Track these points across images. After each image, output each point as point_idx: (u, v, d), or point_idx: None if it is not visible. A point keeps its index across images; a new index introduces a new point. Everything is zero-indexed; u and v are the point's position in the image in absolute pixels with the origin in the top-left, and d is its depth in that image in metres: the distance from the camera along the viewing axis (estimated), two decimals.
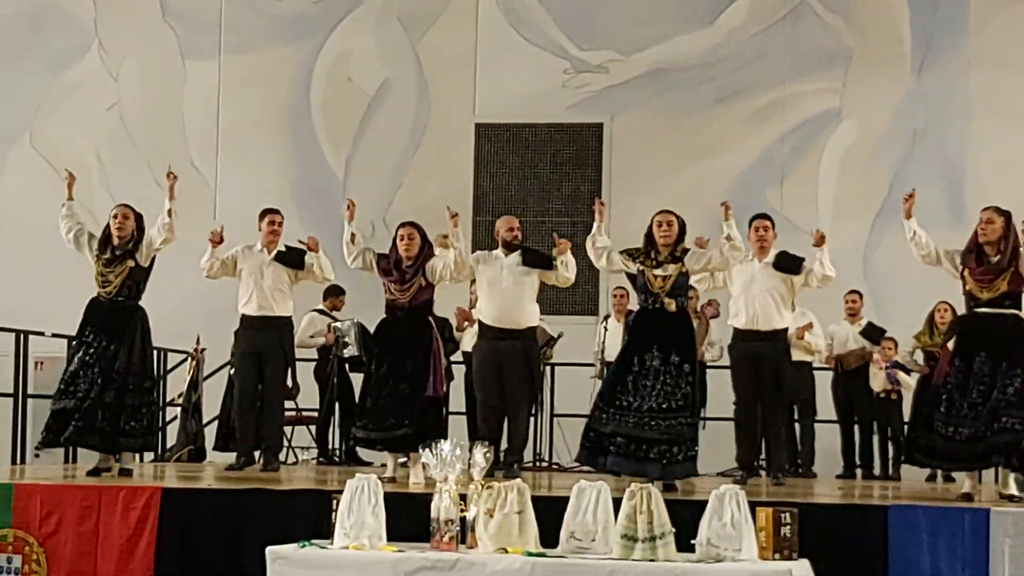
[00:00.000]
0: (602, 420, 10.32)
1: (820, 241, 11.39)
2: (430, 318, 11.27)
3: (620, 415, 10.26)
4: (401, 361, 10.93)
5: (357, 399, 11.42)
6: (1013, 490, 9.77)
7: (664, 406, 10.20)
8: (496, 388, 11.50)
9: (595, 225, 10.87)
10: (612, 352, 14.07)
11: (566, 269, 11.45)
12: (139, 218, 11.28)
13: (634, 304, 13.84)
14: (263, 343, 11.97)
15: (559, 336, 14.52)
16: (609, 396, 10.39)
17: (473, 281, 11.92)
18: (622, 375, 10.38)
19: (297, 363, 14.40)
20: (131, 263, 11.13)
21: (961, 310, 10.55)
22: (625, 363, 10.43)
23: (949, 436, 9.81)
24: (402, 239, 11.07)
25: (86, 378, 11.00)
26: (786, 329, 11.64)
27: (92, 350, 11.06)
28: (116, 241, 11.17)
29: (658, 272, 10.45)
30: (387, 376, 10.96)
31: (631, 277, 10.77)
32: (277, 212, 12.23)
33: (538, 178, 17.93)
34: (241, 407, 12.22)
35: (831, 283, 11.78)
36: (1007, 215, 10.06)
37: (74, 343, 11.38)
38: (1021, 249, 10.02)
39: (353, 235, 11.31)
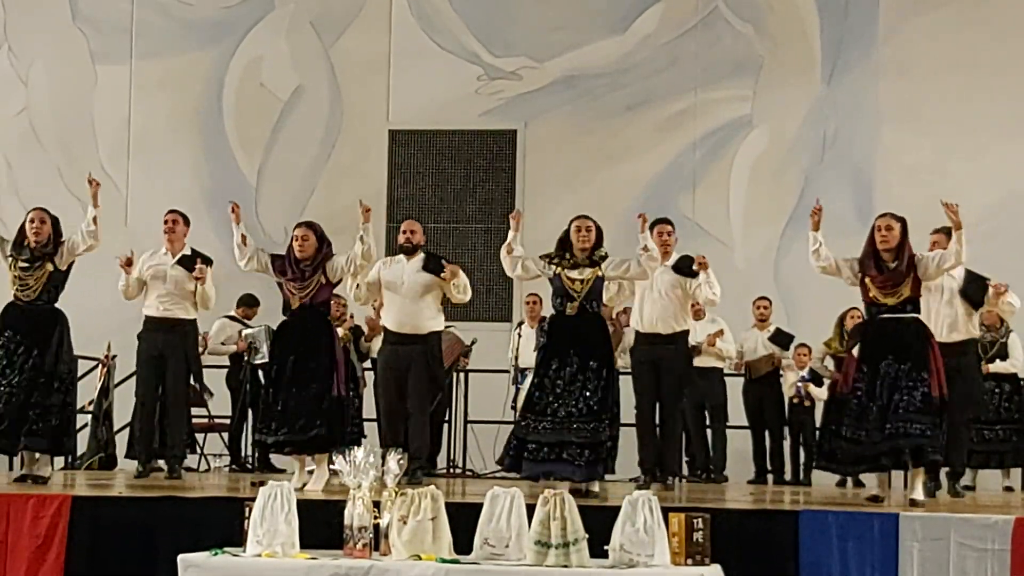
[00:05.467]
0: (527, 428, 10.35)
1: (702, 266, 11.44)
2: (329, 318, 11.26)
3: (539, 421, 10.31)
4: (304, 361, 10.81)
5: (262, 404, 11.28)
6: (919, 495, 9.90)
7: (583, 411, 10.26)
8: (398, 394, 11.51)
9: (511, 234, 10.83)
10: (526, 358, 14.13)
11: (458, 290, 11.53)
12: (55, 222, 11.16)
13: (548, 310, 13.92)
14: (164, 346, 11.70)
15: (473, 342, 14.54)
16: (529, 403, 10.44)
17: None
18: (541, 381, 10.41)
19: (209, 370, 14.35)
20: (50, 267, 11.00)
21: None
22: (544, 369, 10.45)
23: (853, 439, 9.94)
24: (296, 239, 10.96)
25: (6, 381, 10.87)
26: (687, 332, 11.69)
27: (14, 355, 10.92)
28: (33, 244, 11.03)
29: (574, 275, 10.49)
30: (292, 377, 10.82)
31: (550, 281, 10.78)
32: (173, 212, 11.92)
33: (452, 184, 17.94)
34: (144, 412, 12.02)
35: (714, 306, 11.91)
36: (903, 220, 10.20)
37: None
38: (916, 255, 10.18)
39: (244, 236, 11.10)
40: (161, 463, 12.79)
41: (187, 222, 11.95)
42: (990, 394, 13.19)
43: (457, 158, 17.97)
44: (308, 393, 10.79)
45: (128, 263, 11.61)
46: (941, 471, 11.12)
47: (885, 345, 10.05)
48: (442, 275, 11.45)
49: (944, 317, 11.16)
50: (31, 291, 11.00)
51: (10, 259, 11.08)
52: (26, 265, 11.01)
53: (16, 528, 9.26)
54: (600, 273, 10.50)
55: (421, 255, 11.64)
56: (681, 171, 17.51)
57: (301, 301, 10.90)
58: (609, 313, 12.35)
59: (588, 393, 10.29)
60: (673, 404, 11.52)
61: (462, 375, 14.93)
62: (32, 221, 11.08)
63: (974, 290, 11.31)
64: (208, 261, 11.73)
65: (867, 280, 10.14)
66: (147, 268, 11.73)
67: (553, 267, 10.58)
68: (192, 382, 12.25)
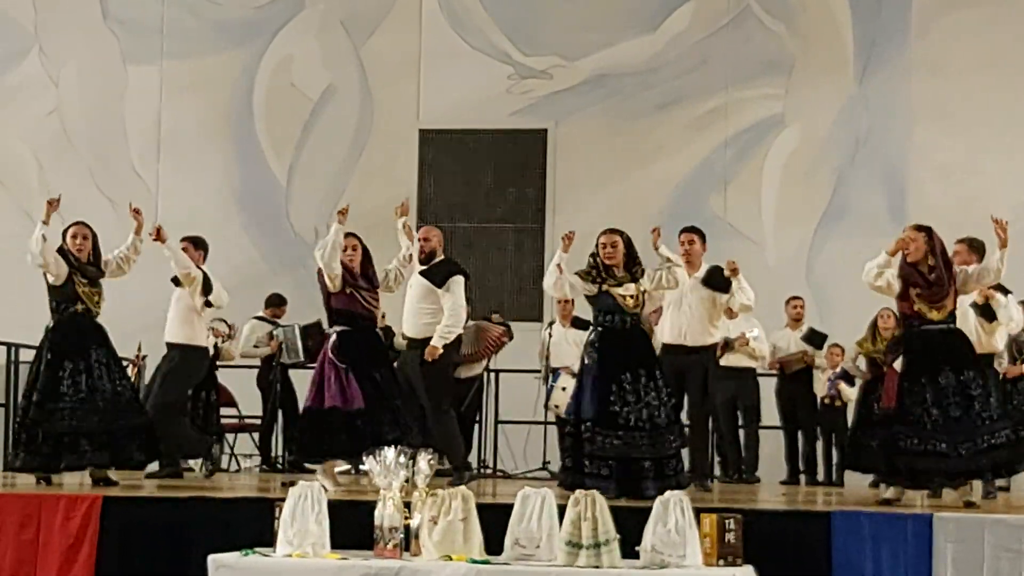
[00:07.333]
0: (596, 443, 10.27)
1: (734, 272, 11.38)
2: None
3: (611, 437, 10.27)
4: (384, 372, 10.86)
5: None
6: (975, 497, 9.91)
7: (652, 424, 10.28)
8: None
9: (559, 254, 10.69)
10: (557, 358, 14.10)
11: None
12: (95, 236, 11.10)
13: (579, 311, 13.89)
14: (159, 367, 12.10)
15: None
16: (597, 418, 10.32)
17: None
18: (606, 397, 10.33)
19: (240, 371, 14.42)
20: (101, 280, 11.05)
21: None
22: (607, 385, 10.36)
23: (935, 452, 9.79)
24: (345, 250, 10.89)
25: (108, 396, 10.88)
26: (714, 345, 11.66)
27: (99, 368, 10.90)
28: (80, 259, 10.92)
29: (622, 291, 10.47)
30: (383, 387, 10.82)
31: (589, 298, 10.74)
32: (183, 240, 12.03)
33: (482, 184, 17.92)
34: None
35: (751, 311, 11.87)
36: (927, 230, 10.09)
37: (64, 361, 10.86)
38: (955, 268, 10.08)
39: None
40: (192, 463, 12.88)
41: (198, 246, 12.02)
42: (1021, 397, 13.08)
43: (487, 158, 17.95)
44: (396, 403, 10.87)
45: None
46: None
47: (938, 357, 9.95)
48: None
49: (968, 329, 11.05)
50: (101, 307, 11.03)
51: (67, 275, 10.89)
52: (92, 281, 10.98)
53: (47, 528, 9.29)
54: (643, 288, 10.52)
55: (432, 261, 11.50)
56: (712, 170, 17.47)
57: (373, 311, 10.91)
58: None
59: (655, 404, 10.34)
60: (697, 411, 11.50)
61: (493, 375, 14.84)
62: (75, 237, 10.96)
63: (987, 305, 11.19)
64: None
65: (913, 293, 10.02)
66: None
67: (597, 285, 10.54)
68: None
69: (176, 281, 11.91)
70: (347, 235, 11.02)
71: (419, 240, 11.49)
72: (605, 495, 10.11)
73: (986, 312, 11.16)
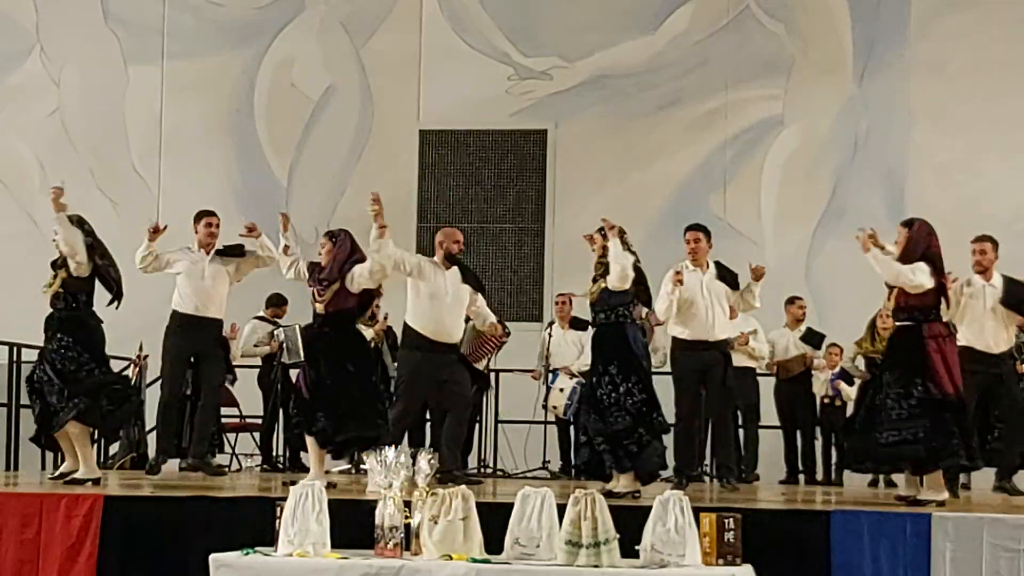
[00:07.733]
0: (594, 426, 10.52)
1: (759, 276, 11.42)
2: (358, 325, 11.26)
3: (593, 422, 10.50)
4: (345, 367, 10.80)
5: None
6: (913, 492, 10.01)
7: (617, 415, 10.38)
8: (423, 399, 11.47)
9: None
10: (556, 358, 14.13)
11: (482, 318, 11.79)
12: (81, 223, 11.14)
13: (577, 311, 13.99)
14: (199, 344, 11.79)
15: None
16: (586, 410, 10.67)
17: None
18: (591, 391, 10.61)
19: (241, 370, 14.42)
20: (64, 274, 10.98)
21: None
22: (590, 379, 10.73)
23: (859, 432, 10.16)
24: (320, 250, 11.01)
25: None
26: (727, 338, 11.70)
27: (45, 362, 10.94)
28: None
29: (592, 288, 10.65)
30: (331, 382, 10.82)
31: None
32: (214, 214, 12.01)
33: (482, 185, 17.93)
34: (167, 408, 11.97)
35: (753, 310, 11.94)
36: (909, 225, 10.21)
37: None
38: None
39: (287, 246, 11.09)
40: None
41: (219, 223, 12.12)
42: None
43: (488, 158, 17.96)
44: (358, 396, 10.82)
45: (155, 230, 11.57)
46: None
47: (887, 352, 10.29)
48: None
49: (988, 328, 11.07)
50: (50, 298, 11.04)
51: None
52: (52, 273, 11.07)
53: (49, 527, 9.31)
54: (604, 284, 10.57)
55: (456, 266, 11.61)
56: (712, 171, 17.48)
57: (320, 310, 10.82)
58: (639, 312, 12.31)
59: (618, 397, 10.42)
60: (720, 406, 11.54)
61: (493, 375, 14.86)
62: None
63: (1016, 299, 11.18)
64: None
65: None
66: (181, 266, 11.83)
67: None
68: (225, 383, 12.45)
69: (223, 253, 11.82)
70: (325, 234, 11.13)
71: (456, 243, 11.54)
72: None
73: (1015, 306, 11.15)
